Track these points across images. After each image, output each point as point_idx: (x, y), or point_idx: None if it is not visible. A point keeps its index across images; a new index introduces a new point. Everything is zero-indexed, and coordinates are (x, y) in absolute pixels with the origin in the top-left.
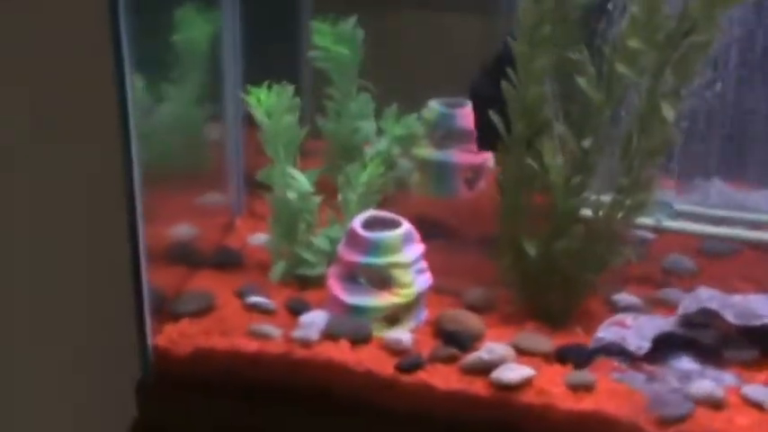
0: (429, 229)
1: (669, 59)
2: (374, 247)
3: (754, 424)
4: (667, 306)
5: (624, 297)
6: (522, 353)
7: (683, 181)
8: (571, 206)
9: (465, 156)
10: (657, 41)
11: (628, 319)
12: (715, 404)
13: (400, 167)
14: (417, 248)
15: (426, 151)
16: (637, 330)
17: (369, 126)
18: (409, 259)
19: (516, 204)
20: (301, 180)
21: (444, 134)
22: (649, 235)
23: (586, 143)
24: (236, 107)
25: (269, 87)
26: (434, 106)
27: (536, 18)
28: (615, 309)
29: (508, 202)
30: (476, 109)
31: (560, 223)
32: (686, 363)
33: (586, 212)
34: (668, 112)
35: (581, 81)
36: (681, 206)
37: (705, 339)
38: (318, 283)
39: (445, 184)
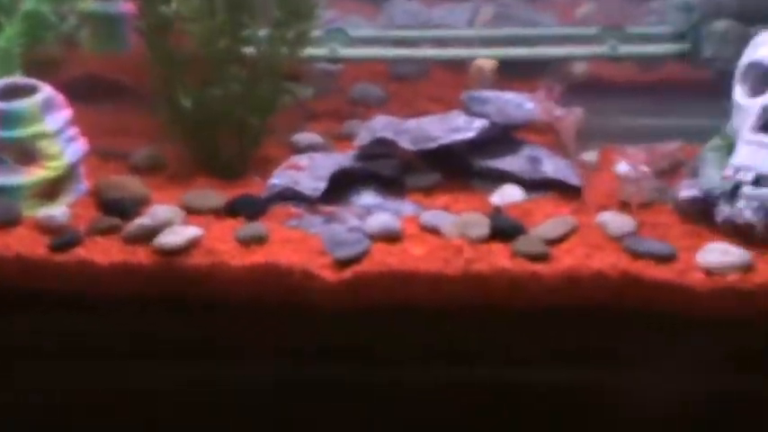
0: (98, 88)
1: None
2: (10, 119)
3: (429, 251)
4: (352, 140)
5: (305, 136)
6: (192, 212)
7: (370, 3)
8: (222, 48)
9: (133, 4)
10: None
11: (303, 160)
12: (392, 237)
13: (66, 24)
14: (63, 115)
15: (88, 4)
16: (312, 171)
17: None
18: (54, 128)
19: (164, 53)
20: None
21: None
22: (334, 67)
23: None
24: None
25: None
26: None
27: None
28: (297, 150)
29: (155, 52)
30: None
31: (214, 68)
32: (367, 198)
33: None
34: None
35: None
36: (366, 31)
37: (384, 170)
38: None
39: (115, 38)
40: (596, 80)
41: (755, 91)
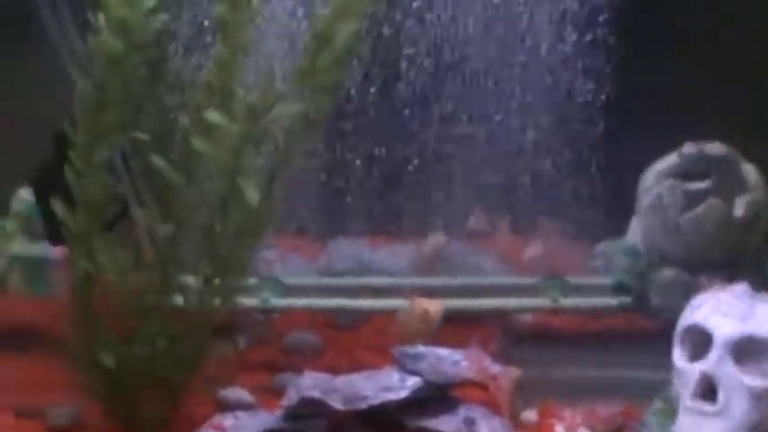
0: (13, 335)
1: (252, 134)
2: None
3: None
4: (282, 394)
5: (234, 392)
6: None
7: (317, 243)
8: (148, 304)
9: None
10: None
11: (227, 420)
12: None
13: None
14: None
15: (18, 246)
16: None
17: None
18: None
19: (87, 305)
20: None
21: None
22: (272, 314)
23: (166, 229)
24: None
25: None
26: (24, 197)
27: (97, 104)
28: (224, 407)
29: (78, 303)
30: (38, 196)
31: (138, 326)
32: None
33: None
34: (251, 194)
35: (156, 161)
36: (302, 279)
37: (312, 431)
38: None
39: (40, 280)
40: (541, 329)
41: (694, 355)
